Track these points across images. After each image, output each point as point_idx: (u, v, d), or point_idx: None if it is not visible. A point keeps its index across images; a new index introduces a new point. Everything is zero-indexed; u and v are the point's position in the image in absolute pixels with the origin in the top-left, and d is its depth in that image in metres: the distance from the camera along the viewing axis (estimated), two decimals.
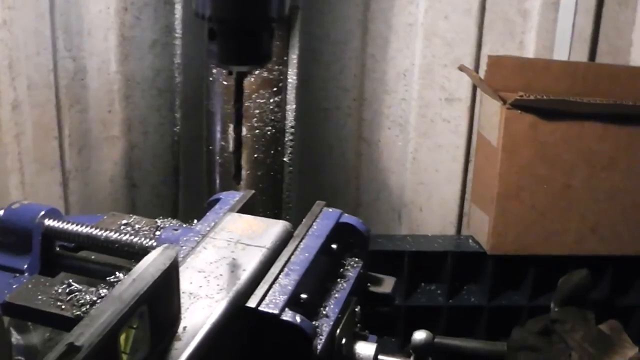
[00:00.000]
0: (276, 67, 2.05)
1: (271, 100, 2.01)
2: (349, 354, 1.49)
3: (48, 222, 1.71)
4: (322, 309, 1.46)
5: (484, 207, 2.91)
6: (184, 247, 1.46)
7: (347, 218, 1.64)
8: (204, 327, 1.20)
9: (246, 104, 1.99)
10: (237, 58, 1.30)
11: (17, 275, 1.67)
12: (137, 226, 1.77)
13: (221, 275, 1.34)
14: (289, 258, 1.44)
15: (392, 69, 2.94)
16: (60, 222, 1.71)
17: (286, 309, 1.30)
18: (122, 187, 3.01)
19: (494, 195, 2.78)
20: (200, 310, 1.24)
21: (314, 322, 1.41)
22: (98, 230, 1.68)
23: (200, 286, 1.31)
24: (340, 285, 1.55)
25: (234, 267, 1.37)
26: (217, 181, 2.11)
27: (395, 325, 2.99)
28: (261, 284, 1.35)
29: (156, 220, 1.77)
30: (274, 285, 1.36)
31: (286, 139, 2.11)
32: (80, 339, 0.95)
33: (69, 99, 2.88)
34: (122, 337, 1.05)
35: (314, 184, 3.01)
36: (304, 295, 1.38)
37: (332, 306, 1.48)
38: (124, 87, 2.85)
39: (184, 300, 1.26)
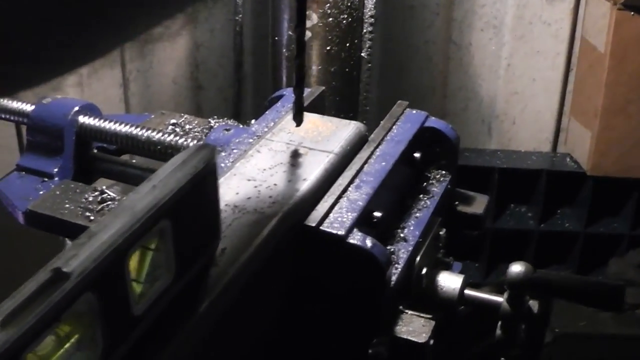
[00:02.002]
0: None
1: None
2: (430, 287, 1.22)
3: (83, 119, 1.47)
4: (399, 230, 1.20)
5: (586, 122, 2.58)
6: (234, 150, 1.20)
7: (433, 122, 1.35)
8: (248, 250, 0.94)
9: None
10: None
11: (46, 180, 1.45)
12: (187, 127, 1.53)
13: (275, 185, 1.08)
14: (362, 167, 1.17)
15: None
16: (96, 120, 1.47)
17: (355, 230, 1.03)
18: (186, 89, 2.78)
19: (599, 108, 2.45)
20: (245, 229, 0.98)
21: (388, 247, 1.14)
22: (140, 129, 1.44)
23: (249, 197, 1.05)
24: (422, 202, 1.28)
25: (292, 175, 1.10)
26: (284, 78, 1.83)
27: (479, 249, 2.71)
28: (325, 197, 1.08)
29: (209, 120, 1.51)
30: (340, 200, 1.09)
31: (364, 30, 1.81)
32: (71, 263, 0.70)
33: None
34: (134, 261, 0.79)
35: (396, 88, 2.72)
36: (377, 214, 1.11)
37: (412, 228, 1.20)
38: None
39: (227, 214, 1.01)
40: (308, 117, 1.27)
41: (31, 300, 0.65)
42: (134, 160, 1.50)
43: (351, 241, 1.02)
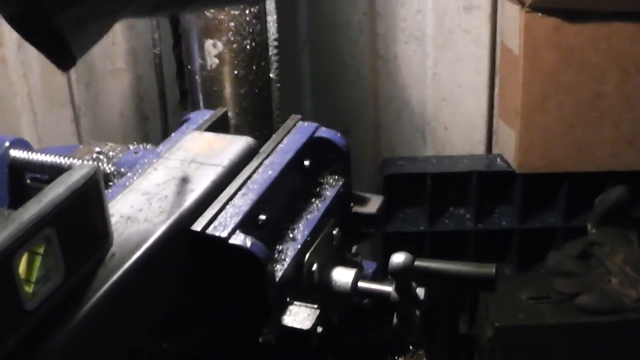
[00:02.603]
0: None
1: (247, 12, 1.85)
2: (324, 281, 1.36)
3: (13, 152, 1.61)
4: (289, 231, 1.33)
5: (510, 122, 2.73)
6: (139, 170, 1.34)
7: (323, 132, 1.48)
8: (135, 254, 1.08)
9: (220, 17, 1.85)
10: None
11: None
12: (111, 153, 1.66)
13: (166, 196, 1.22)
14: (249, 176, 1.31)
15: None
16: (26, 152, 1.61)
17: (237, 232, 1.17)
18: (133, 120, 2.92)
19: (518, 107, 2.60)
20: (134, 236, 1.11)
21: (278, 246, 1.28)
22: (64, 159, 1.57)
23: (141, 209, 1.18)
24: (314, 205, 1.41)
25: (181, 188, 1.24)
26: (201, 102, 1.98)
27: (420, 253, 2.85)
28: (212, 205, 1.22)
29: (129, 146, 1.66)
30: (226, 207, 1.22)
31: (270, 53, 1.96)
32: None
33: None
34: (22, 264, 0.93)
35: (330, 104, 2.86)
36: (263, 217, 1.25)
37: (301, 228, 1.34)
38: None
39: (119, 225, 1.14)
40: (203, 135, 1.42)
41: None
42: None
43: (232, 242, 1.15)
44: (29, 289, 0.95)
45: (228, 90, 1.93)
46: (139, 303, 1.10)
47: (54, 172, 1.58)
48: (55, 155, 1.58)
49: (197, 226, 1.17)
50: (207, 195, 1.24)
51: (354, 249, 1.61)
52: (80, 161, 1.57)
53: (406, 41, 2.85)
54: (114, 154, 1.66)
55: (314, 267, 1.32)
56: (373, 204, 1.54)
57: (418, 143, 3.02)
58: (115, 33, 2.76)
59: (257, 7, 1.88)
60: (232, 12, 1.83)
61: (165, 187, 1.25)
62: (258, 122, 1.98)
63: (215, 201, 1.23)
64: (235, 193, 1.26)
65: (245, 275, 1.17)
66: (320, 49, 2.79)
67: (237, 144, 1.38)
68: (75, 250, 1.00)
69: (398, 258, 1.35)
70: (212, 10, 1.82)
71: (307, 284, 1.31)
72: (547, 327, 2.65)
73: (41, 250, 0.96)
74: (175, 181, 1.26)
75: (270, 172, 1.32)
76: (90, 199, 1.03)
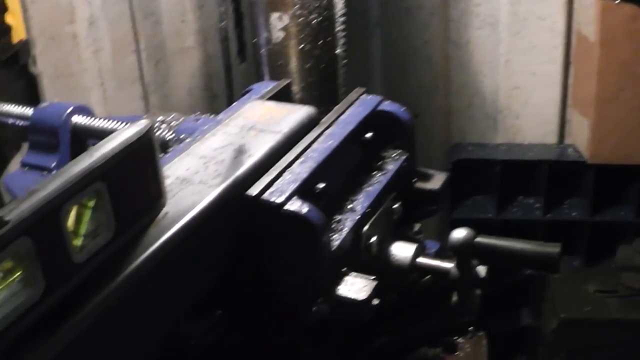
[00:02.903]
0: None
1: None
2: (382, 255, 1.32)
3: (76, 119, 1.62)
4: (348, 202, 1.30)
5: (584, 112, 2.65)
6: (197, 136, 1.32)
7: (387, 105, 1.44)
8: (188, 214, 1.06)
9: None
10: None
11: (46, 173, 1.61)
12: (173, 123, 1.66)
13: (223, 161, 1.20)
14: (309, 145, 1.28)
15: None
16: (88, 119, 1.62)
17: (294, 198, 1.14)
18: (201, 99, 2.93)
19: (592, 97, 2.51)
20: (188, 197, 1.10)
21: (336, 216, 1.25)
22: (122, 125, 1.57)
23: (197, 172, 1.17)
24: (375, 178, 1.38)
25: (239, 152, 1.22)
26: (265, 74, 1.96)
27: None
28: (269, 171, 1.19)
29: (192, 115, 1.65)
30: (284, 173, 1.20)
31: (337, 28, 1.92)
32: (11, 212, 0.83)
33: (142, 10, 2.79)
34: (72, 217, 0.92)
35: (401, 89, 2.82)
36: (321, 185, 1.22)
37: (361, 200, 1.31)
38: None
39: (174, 186, 1.13)
40: (264, 104, 1.39)
41: None
42: None
43: (288, 208, 1.13)
44: (77, 242, 0.94)
45: (293, 64, 1.91)
46: (190, 265, 1.08)
47: None
48: (117, 122, 1.58)
49: (253, 191, 1.15)
50: (265, 161, 1.21)
51: (416, 227, 1.56)
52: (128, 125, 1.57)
53: (479, 27, 2.79)
54: (175, 123, 1.65)
55: (373, 239, 1.29)
56: (436, 181, 1.49)
57: (489, 131, 2.95)
58: (185, 12, 2.77)
59: None
60: None
61: (222, 151, 1.23)
62: (323, 97, 1.94)
63: (273, 167, 1.20)
64: (294, 160, 1.23)
65: (300, 243, 1.14)
66: (391, 33, 2.75)
67: (298, 112, 1.35)
68: (127, 207, 0.98)
69: (459, 233, 1.30)
70: None
71: (364, 257, 1.28)
72: (612, 321, 2.57)
73: (91, 204, 0.95)
74: (233, 146, 1.24)
75: (330, 142, 1.29)
76: (142, 155, 1.01)
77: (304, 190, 1.18)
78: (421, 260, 1.34)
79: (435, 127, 2.91)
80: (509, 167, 2.74)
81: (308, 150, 1.26)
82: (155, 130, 1.53)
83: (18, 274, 0.85)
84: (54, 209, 0.87)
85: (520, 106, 2.89)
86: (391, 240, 1.35)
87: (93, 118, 1.62)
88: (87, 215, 0.95)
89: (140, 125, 1.02)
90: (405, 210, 1.43)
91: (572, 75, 2.83)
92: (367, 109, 1.41)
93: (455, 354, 1.56)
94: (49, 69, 2.89)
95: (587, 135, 2.65)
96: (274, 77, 1.95)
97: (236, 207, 1.14)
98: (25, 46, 2.59)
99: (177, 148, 1.30)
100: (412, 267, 1.34)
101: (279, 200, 1.13)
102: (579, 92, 2.73)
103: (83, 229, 0.95)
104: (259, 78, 2.01)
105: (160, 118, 1.67)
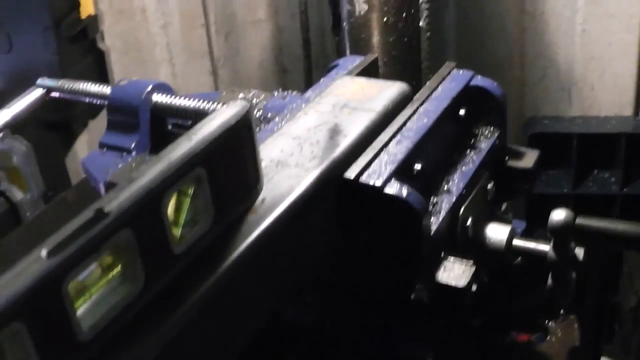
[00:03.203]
0: None
1: None
2: (478, 237, 1.27)
3: (156, 97, 1.59)
4: (444, 183, 1.25)
5: None
6: (287, 115, 1.28)
7: (480, 80, 1.39)
8: (287, 200, 1.02)
9: None
10: None
11: (125, 154, 1.58)
12: (254, 100, 1.62)
13: (318, 141, 1.15)
14: (404, 123, 1.23)
15: None
16: (169, 97, 1.59)
17: (392, 180, 1.10)
18: (272, 73, 2.88)
19: None
20: (285, 181, 1.06)
21: (433, 198, 1.20)
22: (206, 103, 1.54)
23: (292, 154, 1.13)
24: (469, 157, 1.32)
25: (334, 132, 1.17)
26: (347, 49, 1.90)
27: None
28: (366, 151, 1.15)
29: (274, 92, 1.61)
30: (381, 154, 1.15)
31: (421, 1, 1.86)
32: (111, 203, 0.80)
33: None
34: (172, 206, 0.89)
35: (474, 59, 2.73)
36: (418, 166, 1.17)
37: (456, 180, 1.26)
38: None
39: (269, 169, 1.09)
40: (355, 80, 1.34)
41: (75, 234, 0.75)
42: None
43: (388, 191, 1.08)
44: (177, 232, 0.90)
45: (376, 38, 1.85)
46: (290, 252, 1.04)
47: (198, 117, 1.54)
48: (199, 100, 1.55)
49: (351, 173, 1.10)
50: (361, 141, 1.17)
51: (503, 206, 1.51)
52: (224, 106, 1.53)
53: None
54: (257, 100, 1.61)
55: (469, 221, 1.24)
56: (529, 159, 1.43)
57: (563, 103, 2.86)
58: None
59: None
60: None
61: (316, 131, 1.18)
62: (407, 72, 1.89)
63: (369, 148, 1.16)
64: (390, 140, 1.18)
65: (399, 227, 1.10)
66: (466, 2, 2.66)
67: (391, 89, 1.30)
68: (226, 194, 0.95)
69: (559, 215, 1.25)
70: None
71: (461, 239, 1.23)
72: None
73: (190, 191, 0.92)
74: (327, 126, 1.20)
75: (425, 120, 1.24)
76: (242, 138, 0.97)
77: (401, 172, 1.13)
78: (517, 242, 1.29)
79: (509, 99, 2.80)
80: (585, 141, 2.65)
81: (403, 129, 1.22)
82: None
83: (118, 268, 0.82)
84: (155, 197, 0.84)
85: (597, 77, 2.79)
86: (485, 222, 1.30)
87: (173, 96, 1.59)
88: (187, 203, 0.92)
89: (238, 106, 0.97)
90: (497, 189, 1.37)
91: None
92: (460, 84, 1.36)
93: (547, 338, 1.50)
94: (118, 44, 2.88)
95: None
96: (356, 51, 1.89)
97: (334, 189, 1.10)
98: (93, 21, 2.57)
99: (267, 128, 1.26)
100: (508, 249, 1.28)
101: (378, 183, 1.09)
102: None
103: (182, 218, 0.92)
104: (340, 52, 1.96)
105: (240, 95, 1.63)
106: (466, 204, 1.24)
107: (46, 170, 2.24)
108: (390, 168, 1.12)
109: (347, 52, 1.92)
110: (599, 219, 1.28)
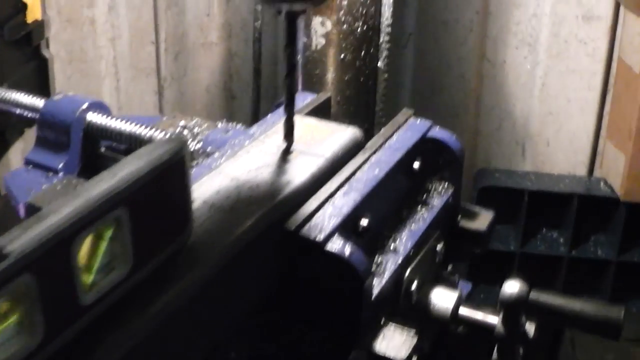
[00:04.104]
0: None
1: None
2: (422, 302, 1.19)
3: (91, 116, 1.48)
4: (390, 241, 1.16)
5: (620, 145, 2.50)
6: (228, 151, 1.18)
7: (437, 132, 1.31)
8: (217, 248, 0.92)
9: None
10: None
11: (51, 174, 1.46)
12: (196, 129, 1.52)
13: (257, 185, 1.05)
14: (353, 173, 1.14)
15: None
16: (104, 118, 1.48)
17: (335, 236, 1.00)
18: (219, 98, 2.78)
19: (632, 130, 2.37)
20: (218, 227, 0.96)
21: (376, 257, 1.11)
22: (143, 129, 1.43)
23: (228, 197, 1.02)
24: (419, 214, 1.24)
25: (276, 177, 1.08)
26: (299, 84, 1.81)
27: (505, 273, 2.65)
28: (309, 201, 1.05)
29: (217, 123, 1.51)
30: (325, 205, 1.06)
31: (381, 40, 1.78)
32: (12, 243, 0.69)
33: (166, 0, 2.66)
34: (85, 248, 0.78)
35: (428, 105, 2.67)
36: (364, 221, 1.07)
37: (404, 239, 1.17)
38: None
39: (202, 212, 0.99)
40: (305, 120, 1.25)
41: None
42: None
43: (329, 248, 0.99)
44: (88, 278, 0.79)
45: (331, 74, 1.76)
46: (217, 306, 0.93)
47: (133, 142, 1.44)
48: (137, 124, 1.44)
49: (291, 224, 1.00)
50: (305, 189, 1.07)
51: (449, 266, 1.43)
52: (162, 133, 1.43)
53: (517, 46, 2.64)
54: (199, 129, 1.51)
55: (414, 285, 1.15)
56: (482, 220, 1.36)
57: (516, 156, 2.81)
58: (211, 5, 2.62)
59: None
60: None
61: (257, 173, 1.08)
62: (360, 113, 1.80)
63: (314, 197, 1.06)
64: (337, 190, 1.09)
65: (339, 287, 1.00)
66: (426, 45, 2.60)
67: (343, 134, 1.21)
68: (149, 237, 0.84)
69: (512, 287, 1.17)
70: None
71: (404, 304, 1.14)
72: None
73: (109, 233, 0.81)
74: (269, 168, 1.10)
75: (376, 171, 1.15)
76: (173, 178, 0.87)
77: (346, 226, 1.04)
78: (464, 311, 1.20)
79: None
80: (536, 198, 2.60)
81: (352, 179, 1.13)
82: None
83: (14, 317, 0.71)
84: (65, 240, 0.73)
85: (552, 133, 2.75)
86: (431, 285, 1.21)
87: (109, 117, 1.48)
88: (103, 246, 0.81)
89: (173, 142, 0.87)
90: (446, 250, 1.29)
91: (610, 105, 2.68)
92: (416, 134, 1.27)
93: None
94: (62, 53, 2.76)
95: (621, 170, 2.50)
96: (309, 86, 1.80)
97: (272, 239, 1.00)
98: (39, 27, 2.45)
99: (205, 164, 1.16)
100: (453, 318, 1.20)
101: (320, 237, 0.99)
102: (616, 124, 2.58)
103: (96, 263, 0.81)
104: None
105: (182, 122, 1.53)
106: (412, 265, 1.15)
107: None
108: (334, 222, 1.02)
109: (299, 86, 1.83)
110: (555, 295, 1.20)
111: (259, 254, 1.00)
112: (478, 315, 1.20)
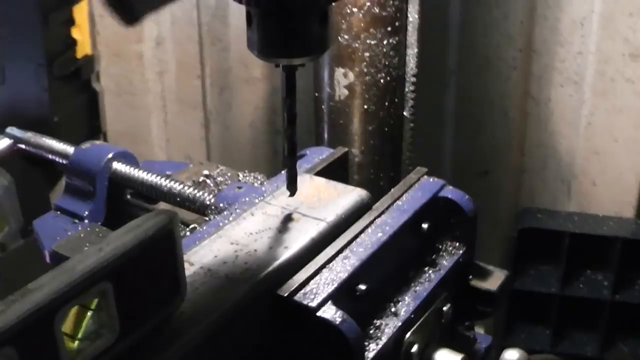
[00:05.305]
0: (391, 1, 1.69)
1: (385, 42, 1.67)
2: None
3: (116, 165, 1.52)
4: (392, 304, 1.16)
5: None
6: (237, 210, 1.20)
7: (449, 192, 1.30)
8: (210, 316, 0.94)
9: (354, 45, 1.68)
10: (280, 49, 1.03)
11: (77, 221, 1.51)
12: (219, 179, 1.56)
13: (255, 251, 1.07)
14: (356, 236, 1.15)
15: (566, 16, 2.50)
16: (128, 167, 1.52)
17: (329, 303, 1.01)
18: (262, 133, 2.81)
19: None
20: (211, 294, 0.98)
21: (376, 321, 1.12)
22: (164, 180, 1.47)
23: (225, 262, 1.05)
24: (426, 275, 1.24)
25: (275, 242, 1.10)
26: (325, 133, 1.83)
27: (547, 317, 2.61)
28: (307, 267, 1.07)
29: (239, 173, 1.54)
30: (323, 271, 1.07)
31: (406, 89, 1.78)
32: None
33: (211, 35, 2.71)
34: (71, 317, 0.81)
35: (472, 143, 2.65)
36: (362, 287, 1.08)
37: (406, 301, 1.17)
38: None
39: (198, 277, 1.01)
40: (313, 180, 1.26)
41: None
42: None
43: (321, 314, 1.00)
44: (73, 346, 0.82)
45: (355, 125, 1.77)
46: None
47: (152, 192, 1.48)
48: (157, 175, 1.48)
49: (285, 290, 1.02)
50: (303, 254, 1.09)
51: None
52: (181, 185, 1.46)
53: (562, 84, 2.60)
54: (222, 179, 1.54)
55: (414, 348, 1.15)
56: (495, 280, 1.34)
57: (562, 195, 2.76)
58: None
59: (396, 38, 1.71)
60: (368, 41, 1.67)
61: (257, 237, 1.10)
62: (385, 162, 1.80)
63: (311, 263, 1.08)
64: (336, 255, 1.10)
65: (330, 353, 1.01)
66: (468, 83, 2.59)
67: (349, 196, 1.22)
68: (136, 307, 0.87)
69: (511, 355, 1.16)
70: (346, 37, 1.67)
71: None
72: None
73: (94, 303, 0.84)
74: (270, 232, 1.12)
75: (379, 235, 1.16)
76: (160, 251, 0.89)
77: (342, 292, 1.05)
78: None
79: (505, 187, 2.73)
80: (579, 240, 2.55)
81: (353, 243, 1.13)
82: (178, 226, 1.42)
83: None
84: (48, 314, 0.76)
85: (598, 173, 2.69)
86: (436, 347, 1.21)
87: (134, 167, 1.52)
88: (87, 316, 0.84)
89: (161, 216, 0.90)
90: (456, 310, 1.29)
91: None
92: (427, 195, 1.27)
93: None
94: (112, 86, 2.83)
95: None
96: (334, 135, 1.81)
97: (266, 305, 1.02)
98: (89, 62, 2.53)
99: (212, 222, 1.19)
100: None
101: (312, 304, 1.00)
102: None
103: (81, 332, 0.84)
104: (318, 135, 1.88)
105: (205, 172, 1.56)
106: (415, 327, 1.15)
107: (28, 204, 2.19)
108: (329, 288, 1.03)
109: (325, 135, 1.84)
110: None
111: (252, 321, 1.01)
112: None
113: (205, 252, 1.07)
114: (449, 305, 1.24)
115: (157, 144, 2.96)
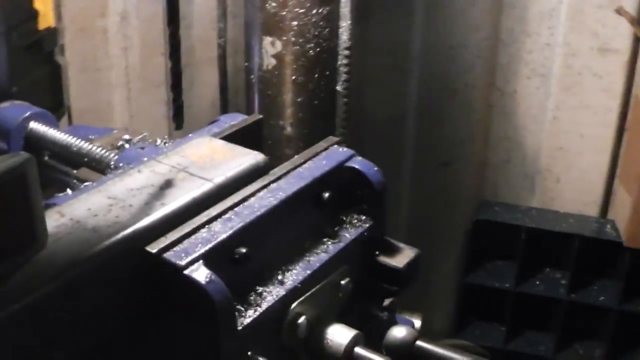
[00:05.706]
0: None
1: (314, 11, 1.63)
2: (314, 339, 1.14)
3: (33, 125, 1.48)
4: (280, 272, 1.12)
5: (629, 187, 2.40)
6: (123, 170, 1.16)
7: (358, 162, 1.25)
8: (65, 266, 0.90)
9: (281, 13, 1.64)
10: None
11: None
12: (139, 144, 1.51)
13: (130, 206, 1.03)
14: (244, 199, 1.10)
15: (535, 6, 2.46)
16: (44, 127, 1.48)
17: (199, 263, 0.97)
18: (224, 111, 2.77)
19: None
20: (73, 244, 0.94)
21: (258, 287, 1.07)
22: (75, 140, 1.43)
23: (96, 215, 1.01)
24: (324, 246, 1.19)
25: (153, 199, 1.05)
26: (256, 104, 1.78)
27: (502, 312, 2.56)
28: (183, 225, 1.02)
29: (157, 139, 1.50)
30: (201, 230, 1.03)
31: (339, 62, 1.73)
32: None
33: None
34: None
35: (434, 133, 2.60)
36: (242, 250, 1.04)
37: (295, 271, 1.12)
38: (231, 4, 2.57)
39: (63, 228, 0.97)
40: (212, 142, 1.22)
41: None
42: (75, 171, 1.48)
43: (188, 273, 0.96)
44: None
45: (284, 96, 1.73)
46: (62, 325, 0.91)
47: (62, 152, 1.44)
48: (69, 136, 1.44)
49: (154, 247, 0.98)
50: (182, 212, 1.05)
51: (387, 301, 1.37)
52: (96, 147, 1.42)
53: (529, 76, 2.56)
54: (142, 145, 1.50)
55: (301, 319, 1.10)
56: (403, 257, 1.29)
57: (525, 191, 2.72)
58: (218, 19, 2.61)
59: (327, 8, 1.66)
60: (296, 9, 1.62)
61: (136, 193, 1.06)
62: (315, 136, 1.75)
63: (190, 222, 1.03)
64: (218, 216, 1.06)
65: (196, 316, 0.97)
66: (431, 71, 2.54)
67: (244, 159, 1.18)
68: None
69: (398, 332, 1.12)
70: (274, 4, 1.62)
71: (288, 339, 1.10)
72: None
73: None
74: (151, 189, 1.08)
75: (270, 199, 1.11)
76: (9, 195, 0.85)
77: (218, 254, 1.01)
78: (359, 351, 1.15)
79: (467, 179, 2.69)
80: (537, 236, 2.50)
81: (240, 206, 1.09)
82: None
83: None
84: None
85: (563, 169, 2.65)
86: (331, 322, 1.17)
87: (50, 127, 1.48)
88: None
89: (12, 158, 0.86)
90: (363, 285, 1.24)
91: (625, 144, 2.56)
92: (331, 163, 1.23)
93: None
94: (77, 61, 2.80)
95: (628, 214, 2.39)
96: (264, 107, 1.77)
97: (136, 260, 0.98)
98: (52, 34, 2.48)
99: (101, 180, 1.14)
100: (347, 356, 1.14)
101: (181, 262, 0.96)
102: (628, 165, 2.47)
103: None
104: (249, 105, 1.84)
105: (126, 137, 1.52)
106: (302, 298, 1.11)
107: None
108: (202, 248, 0.99)
109: (255, 105, 1.80)
110: (442, 345, 1.15)
111: (118, 276, 0.97)
112: (371, 356, 1.14)
113: (80, 205, 1.03)
114: (347, 279, 1.20)
115: (120, 120, 2.92)
